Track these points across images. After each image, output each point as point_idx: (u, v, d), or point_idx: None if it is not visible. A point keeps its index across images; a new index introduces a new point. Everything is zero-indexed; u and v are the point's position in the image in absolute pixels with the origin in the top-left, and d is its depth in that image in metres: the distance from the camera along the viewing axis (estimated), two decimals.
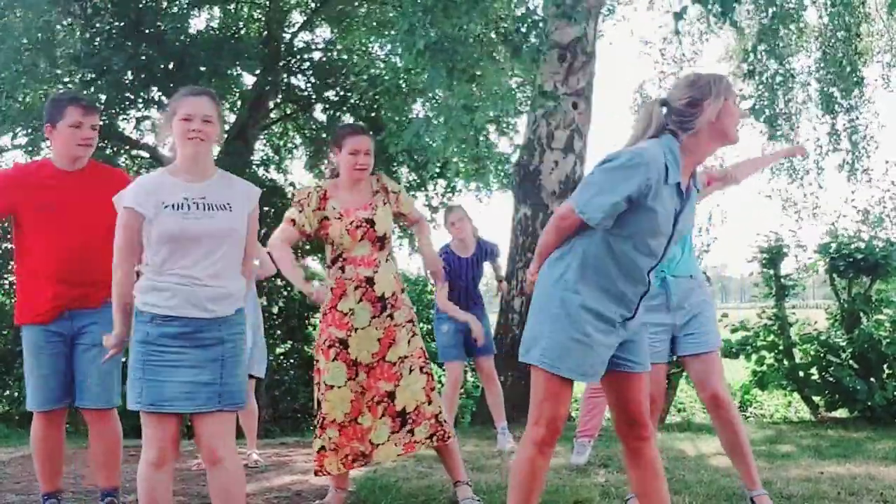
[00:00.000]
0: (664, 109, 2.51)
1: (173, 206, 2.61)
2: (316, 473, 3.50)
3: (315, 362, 3.52)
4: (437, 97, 7.07)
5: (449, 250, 5.53)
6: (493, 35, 6.97)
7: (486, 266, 5.71)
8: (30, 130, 10.34)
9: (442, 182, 12.84)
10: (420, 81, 7.27)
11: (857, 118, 10.91)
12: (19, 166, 3.70)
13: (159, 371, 2.54)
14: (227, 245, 2.67)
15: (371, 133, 3.61)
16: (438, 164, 11.32)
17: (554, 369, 2.43)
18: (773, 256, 8.03)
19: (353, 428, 3.41)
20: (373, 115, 11.86)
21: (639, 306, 2.53)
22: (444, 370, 5.86)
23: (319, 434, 3.43)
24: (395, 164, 12.12)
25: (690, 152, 2.47)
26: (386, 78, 10.64)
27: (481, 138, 9.54)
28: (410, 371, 3.46)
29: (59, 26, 9.82)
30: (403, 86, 10.49)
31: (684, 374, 7.36)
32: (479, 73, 6.45)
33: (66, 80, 10.38)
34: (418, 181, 13.05)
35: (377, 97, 10.60)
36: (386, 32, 11.23)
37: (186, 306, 2.58)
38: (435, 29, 6.06)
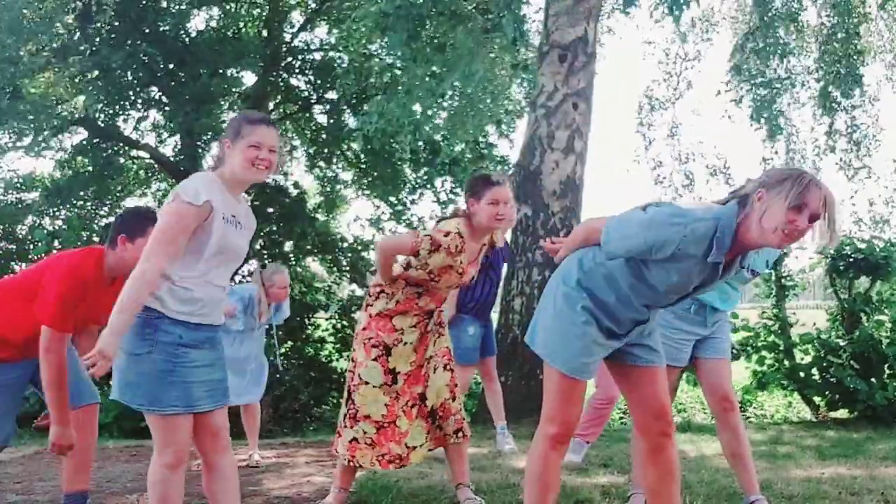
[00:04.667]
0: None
1: (224, 217, 2.65)
2: (348, 463, 3.48)
3: (353, 350, 3.56)
4: (407, 70, 6.91)
5: None
6: (470, 9, 6.86)
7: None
8: (33, 131, 10.32)
9: (450, 179, 12.87)
10: (419, 79, 7.20)
11: (857, 118, 10.90)
12: None
13: (188, 372, 2.58)
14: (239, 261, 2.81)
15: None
16: (446, 162, 11.33)
17: (549, 359, 2.48)
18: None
19: (392, 429, 3.43)
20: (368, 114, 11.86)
21: (633, 331, 2.51)
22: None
23: (350, 425, 3.44)
24: (398, 163, 12.12)
25: (741, 233, 2.30)
26: (387, 79, 10.62)
27: (482, 137, 9.47)
28: (435, 370, 3.53)
29: (58, 23, 9.80)
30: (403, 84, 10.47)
31: (684, 375, 7.35)
32: (449, 42, 6.33)
33: (67, 78, 10.38)
34: (425, 179, 13.06)
35: (375, 95, 10.61)
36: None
37: (213, 316, 2.70)
38: None
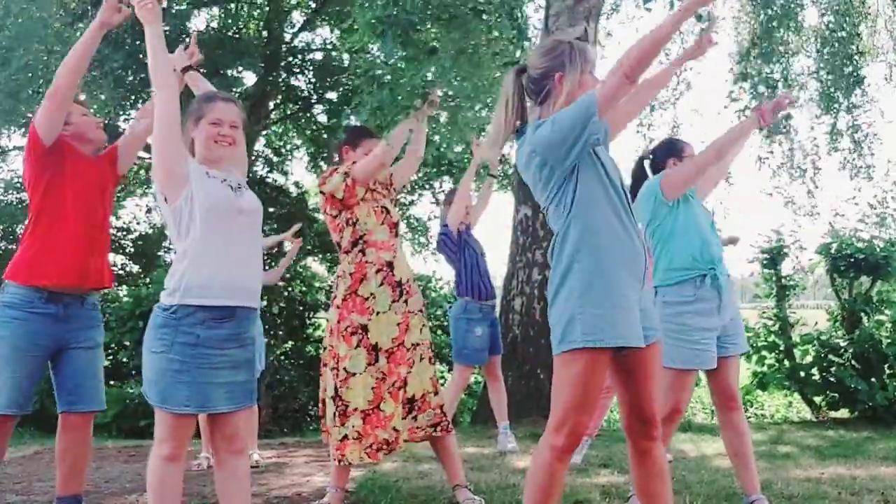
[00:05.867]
0: (524, 77, 2.51)
1: (208, 174, 2.64)
2: (339, 462, 3.43)
3: (329, 348, 3.53)
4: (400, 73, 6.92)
5: (448, 230, 5.36)
6: (467, 11, 6.83)
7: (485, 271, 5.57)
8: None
9: (449, 179, 12.88)
10: (419, 78, 7.14)
11: (858, 117, 10.89)
12: None
13: (206, 373, 2.54)
14: (258, 226, 2.76)
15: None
16: (445, 162, 11.31)
17: (599, 342, 2.27)
18: (773, 256, 8.02)
19: (377, 415, 3.40)
20: (374, 114, 11.86)
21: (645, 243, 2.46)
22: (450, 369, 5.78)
23: (341, 422, 3.40)
24: (396, 164, 12.13)
25: None
26: (386, 78, 10.60)
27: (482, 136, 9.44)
28: (421, 359, 3.53)
29: (69, 28, 9.81)
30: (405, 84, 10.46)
31: None
32: (439, 47, 6.32)
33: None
34: (423, 179, 13.07)
35: (378, 97, 10.58)
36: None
37: (238, 296, 2.58)
38: (394, 4, 5.94)
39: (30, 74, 9.03)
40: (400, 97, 6.25)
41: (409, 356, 3.50)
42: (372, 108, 6.45)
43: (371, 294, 3.47)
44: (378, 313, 3.46)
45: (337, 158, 3.87)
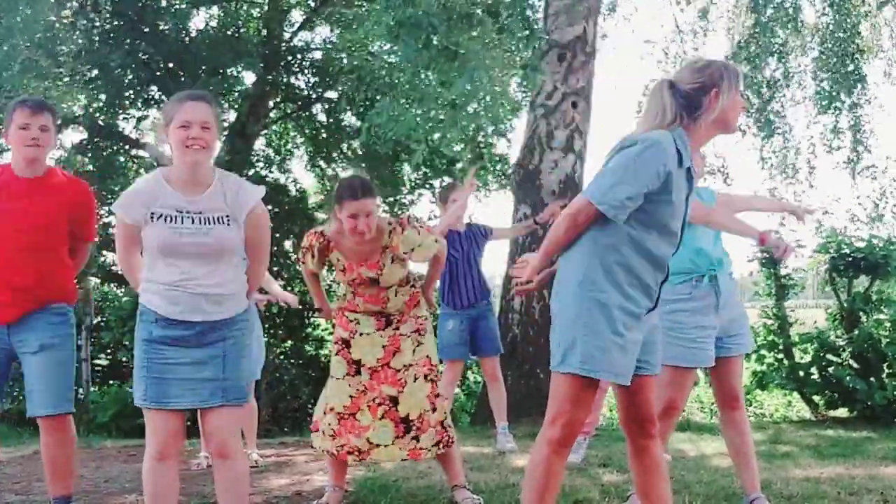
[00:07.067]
0: (672, 91, 2.49)
1: (164, 217, 2.59)
2: (325, 452, 3.59)
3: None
4: (417, 77, 6.85)
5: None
6: (479, 12, 6.78)
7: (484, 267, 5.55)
8: None
9: (448, 179, 12.89)
10: (408, 73, 7.05)
11: (861, 115, 10.87)
12: None
13: (162, 368, 2.59)
14: (226, 255, 2.67)
15: (373, 192, 3.40)
16: (445, 161, 11.29)
17: (593, 374, 2.36)
18: (773, 256, 8.02)
19: (351, 422, 3.49)
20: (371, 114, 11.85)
21: (659, 295, 2.49)
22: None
23: (322, 417, 3.58)
24: (397, 163, 12.14)
25: (691, 138, 2.49)
26: (383, 76, 10.59)
27: (480, 136, 9.46)
28: (415, 379, 3.51)
29: (58, 24, 9.79)
30: (403, 84, 10.45)
31: None
32: (461, 50, 6.26)
33: (67, 79, 10.37)
34: (421, 180, 13.07)
35: (375, 96, 10.58)
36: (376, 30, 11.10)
37: (189, 312, 2.62)
38: (412, 6, 5.87)
39: (18, 69, 9.02)
40: (432, 112, 6.19)
41: (401, 377, 3.50)
42: (407, 130, 6.39)
43: (356, 319, 3.55)
44: (361, 334, 3.53)
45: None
